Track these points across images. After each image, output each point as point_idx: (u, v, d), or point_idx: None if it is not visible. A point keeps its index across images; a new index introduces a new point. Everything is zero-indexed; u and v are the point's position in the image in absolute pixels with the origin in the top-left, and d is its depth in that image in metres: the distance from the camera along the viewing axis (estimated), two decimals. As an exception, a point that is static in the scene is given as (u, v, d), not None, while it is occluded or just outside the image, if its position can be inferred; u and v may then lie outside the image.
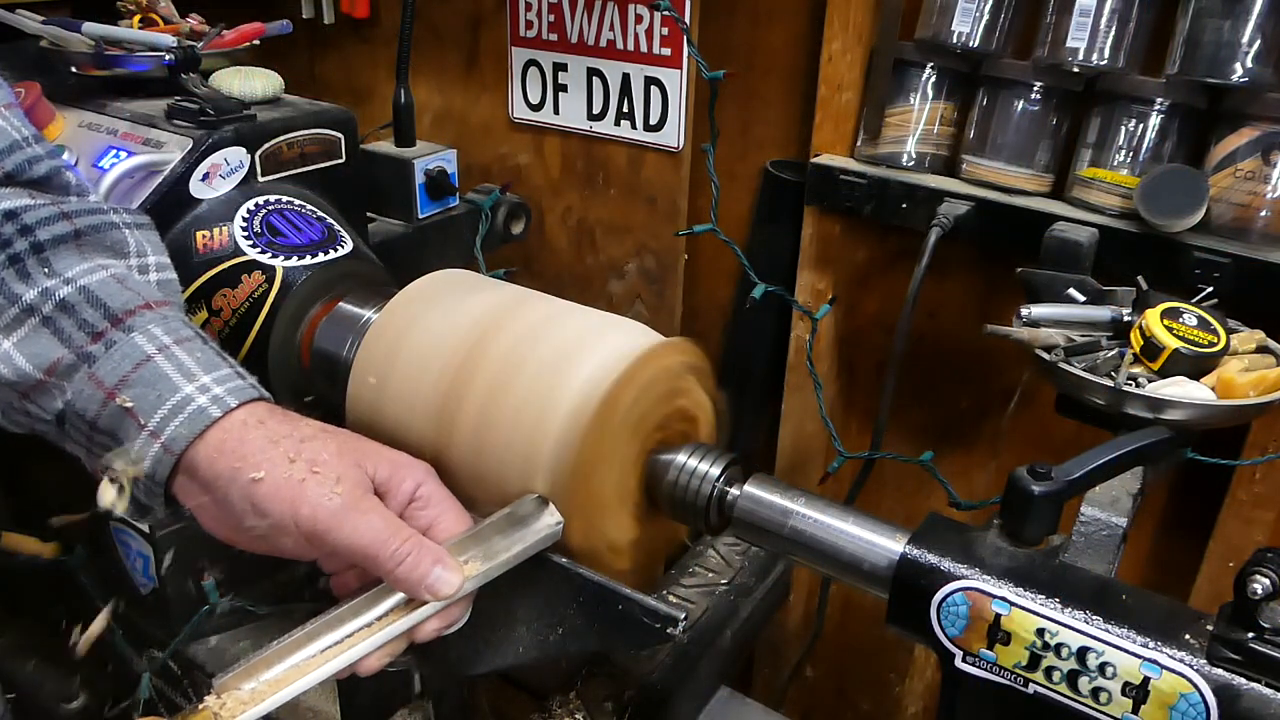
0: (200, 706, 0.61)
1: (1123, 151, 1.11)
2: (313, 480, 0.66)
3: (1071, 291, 0.98)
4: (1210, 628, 0.62)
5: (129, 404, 0.67)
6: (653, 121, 1.46)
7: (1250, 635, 0.60)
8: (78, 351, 0.68)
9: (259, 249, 0.95)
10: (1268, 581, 0.59)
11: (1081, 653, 0.64)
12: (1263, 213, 1.04)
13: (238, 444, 0.67)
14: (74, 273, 0.70)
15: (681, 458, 0.80)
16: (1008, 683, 0.67)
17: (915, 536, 0.72)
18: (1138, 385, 0.84)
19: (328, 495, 0.66)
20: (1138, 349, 0.87)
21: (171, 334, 0.70)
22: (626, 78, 1.46)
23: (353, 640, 0.66)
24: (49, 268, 0.69)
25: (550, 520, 0.73)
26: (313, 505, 0.65)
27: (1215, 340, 0.86)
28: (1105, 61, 1.08)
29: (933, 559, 0.70)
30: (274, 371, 0.94)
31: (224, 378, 0.69)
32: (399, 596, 0.67)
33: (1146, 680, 0.62)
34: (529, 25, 1.53)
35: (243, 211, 0.98)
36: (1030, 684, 0.66)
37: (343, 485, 0.66)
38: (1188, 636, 0.62)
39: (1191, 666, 0.61)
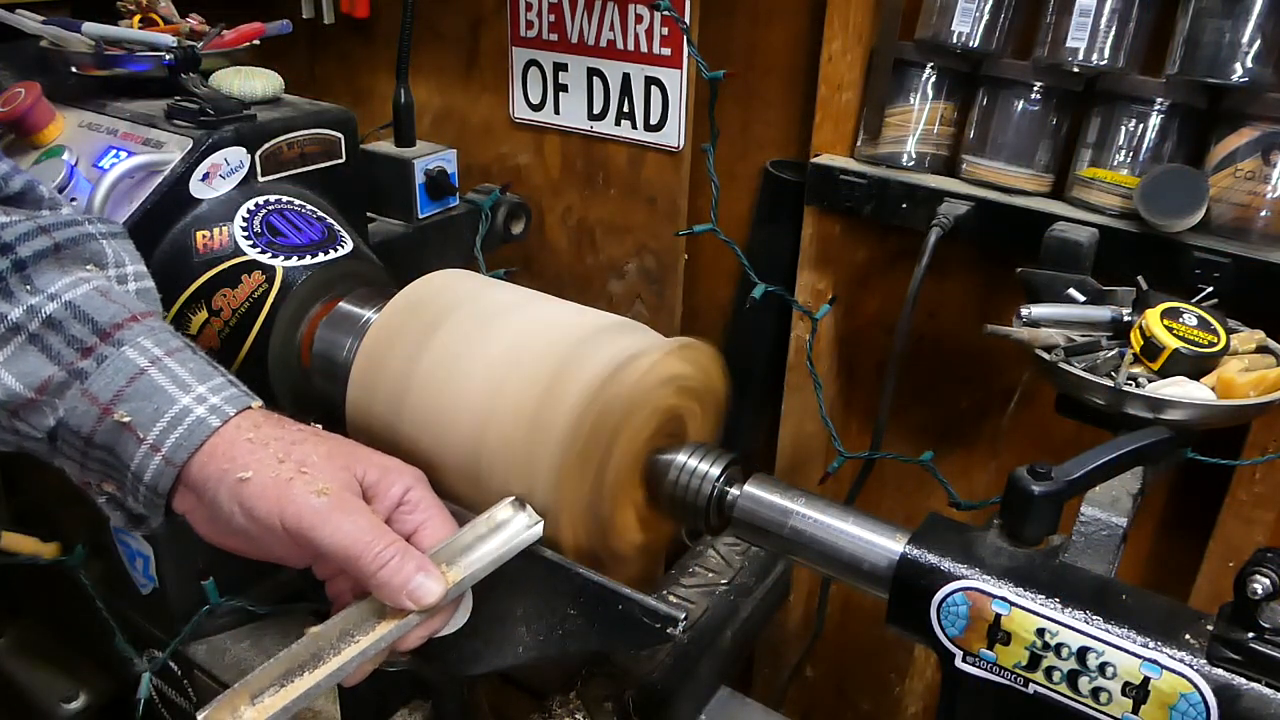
0: None
1: (1123, 151, 1.11)
2: (300, 480, 0.66)
3: (1071, 291, 0.98)
4: (1210, 628, 0.62)
5: (126, 418, 0.67)
6: (653, 121, 1.46)
7: (1250, 635, 0.60)
8: (68, 368, 0.68)
9: (259, 249, 0.95)
10: (1268, 581, 0.59)
11: (1081, 653, 0.64)
12: (1263, 213, 1.04)
13: (229, 447, 0.67)
14: (56, 288, 0.69)
15: (681, 458, 0.80)
16: (1008, 683, 0.67)
17: (915, 536, 0.72)
18: (1138, 385, 0.84)
19: (314, 494, 0.65)
20: (1138, 349, 0.87)
21: (162, 346, 0.70)
22: (627, 78, 1.46)
23: (339, 659, 0.65)
24: (31, 284, 0.69)
25: (528, 520, 0.73)
26: (298, 504, 0.65)
27: (1215, 340, 0.86)
28: (1105, 61, 1.08)
29: (933, 559, 0.70)
30: (274, 372, 0.94)
31: (218, 387, 0.69)
32: (382, 608, 0.67)
33: (1146, 680, 0.62)
34: (529, 25, 1.53)
35: (243, 211, 0.98)
36: (1030, 684, 0.66)
37: (330, 486, 0.66)
38: (1188, 636, 0.62)
39: (1191, 666, 0.61)
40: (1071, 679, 0.64)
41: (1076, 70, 1.11)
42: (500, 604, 0.75)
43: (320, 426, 0.74)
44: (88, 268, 0.73)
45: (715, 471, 0.79)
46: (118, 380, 0.67)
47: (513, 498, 0.74)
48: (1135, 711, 0.62)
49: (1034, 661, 0.65)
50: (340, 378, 0.87)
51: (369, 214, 1.29)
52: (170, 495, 0.68)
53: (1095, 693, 0.63)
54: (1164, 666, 0.61)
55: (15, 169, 0.74)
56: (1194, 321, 0.87)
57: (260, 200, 1.00)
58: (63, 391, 0.68)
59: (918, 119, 1.24)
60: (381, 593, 0.66)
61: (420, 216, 1.36)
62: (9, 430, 0.70)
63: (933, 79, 1.22)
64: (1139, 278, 0.94)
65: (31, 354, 0.68)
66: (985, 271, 1.31)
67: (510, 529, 0.72)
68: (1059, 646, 0.64)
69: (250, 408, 0.70)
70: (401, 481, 0.71)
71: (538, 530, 0.73)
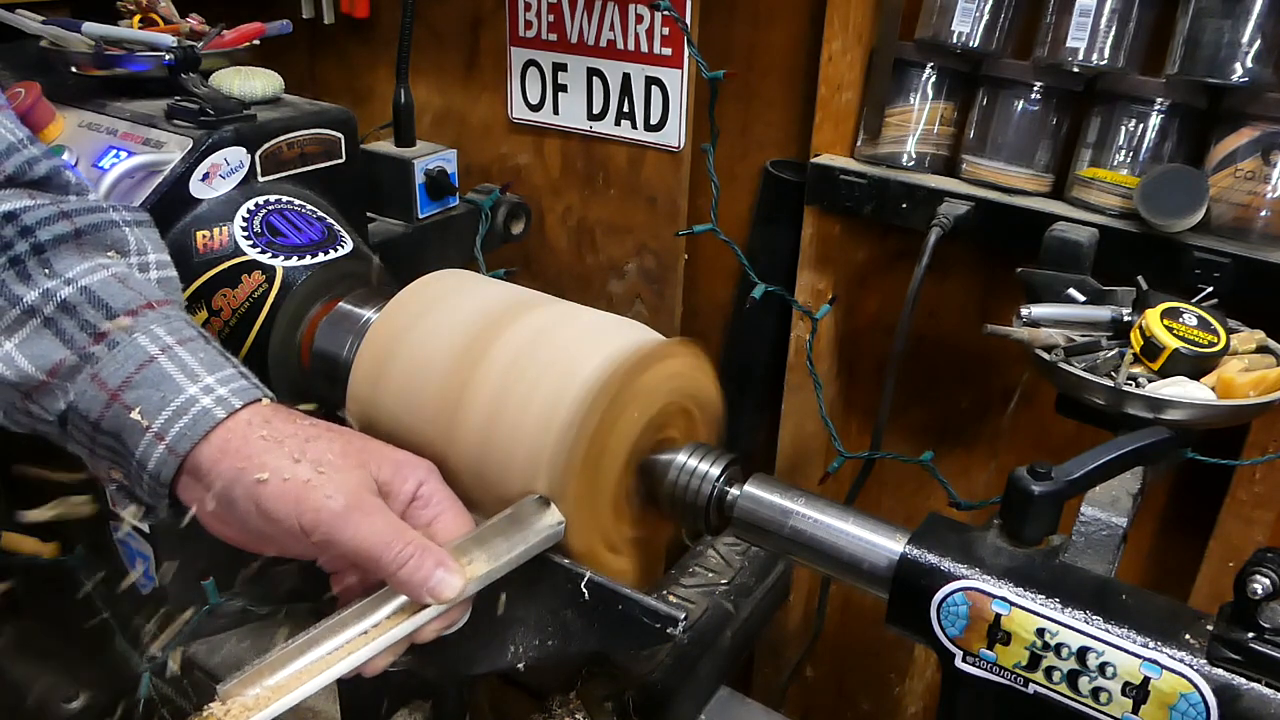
0: (205, 714, 0.61)
1: (1123, 151, 1.11)
2: (317, 480, 0.66)
3: (1071, 291, 0.98)
4: (1210, 628, 0.62)
5: (133, 405, 0.67)
6: (653, 121, 1.46)
7: (1250, 635, 0.60)
8: (80, 352, 0.68)
9: (259, 249, 0.95)
10: (1268, 581, 0.59)
11: (1081, 653, 0.64)
12: (1263, 213, 1.04)
13: (242, 444, 0.67)
14: (75, 273, 0.69)
15: (681, 458, 0.80)
16: (1008, 683, 0.67)
17: (915, 536, 0.72)
18: (1138, 385, 0.84)
19: (331, 496, 0.65)
20: (1138, 349, 0.87)
21: (174, 334, 0.70)
22: (627, 78, 1.46)
23: (355, 645, 0.66)
24: (49, 268, 0.69)
25: (552, 520, 0.73)
26: (316, 507, 0.65)
27: (1215, 340, 0.86)
28: (1105, 61, 1.09)
29: (933, 559, 0.70)
30: (274, 372, 0.94)
31: (228, 378, 0.69)
32: (401, 599, 0.67)
33: (1146, 680, 0.62)
34: (528, 25, 1.53)
35: (243, 211, 0.98)
36: (1030, 684, 0.66)
37: (346, 486, 0.66)
38: (1188, 636, 0.62)
39: (1191, 666, 0.61)
40: (1071, 679, 0.64)
41: (1076, 70, 1.11)
42: (500, 604, 0.75)
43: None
44: (108, 254, 0.73)
45: (715, 471, 0.79)
46: (127, 367, 0.67)
47: (537, 495, 0.74)
48: (1135, 711, 0.62)
49: (1034, 661, 0.65)
50: (341, 378, 0.87)
51: (369, 214, 1.29)
52: (174, 485, 0.68)
53: (1095, 693, 0.63)
54: (1164, 666, 0.61)
55: (46, 153, 0.74)
56: (1194, 321, 0.87)
57: (260, 200, 1.00)
58: (73, 375, 0.68)
59: (918, 119, 1.24)
60: (403, 589, 0.66)
61: (420, 216, 1.36)
62: (22, 412, 0.70)
63: (933, 79, 1.22)
64: (1139, 278, 0.94)
65: (45, 337, 0.68)
66: (985, 271, 1.31)
67: (534, 526, 0.72)
68: (1059, 646, 0.64)
69: (260, 400, 0.70)
70: (415, 476, 0.71)
71: (561, 529, 0.73)
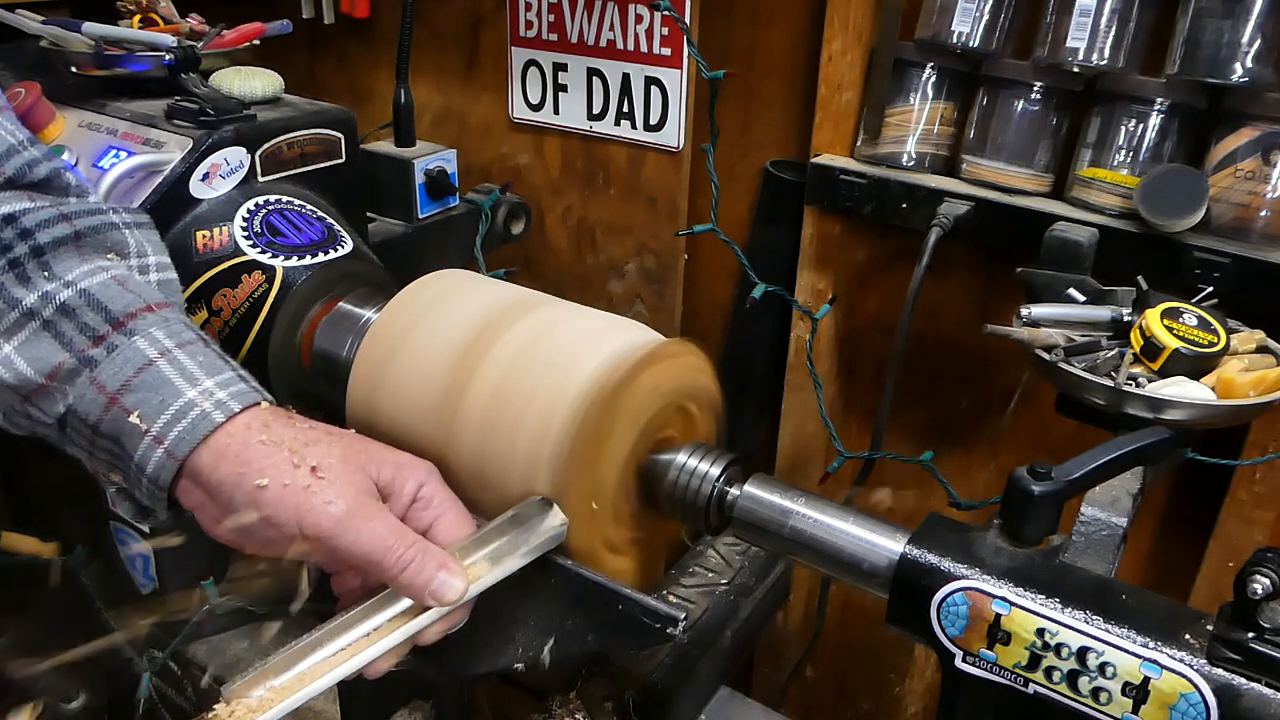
0: (210, 715, 0.61)
1: (1123, 151, 1.11)
2: (317, 486, 0.66)
3: (1071, 291, 0.98)
4: (1210, 628, 0.62)
5: (132, 409, 0.67)
6: (653, 121, 1.46)
7: (1250, 635, 0.60)
8: (79, 356, 0.68)
9: (259, 249, 0.95)
10: (1268, 581, 0.59)
11: (1081, 653, 0.64)
12: (1263, 213, 1.04)
13: (241, 448, 0.67)
14: (74, 275, 0.69)
15: (681, 458, 0.80)
16: (1008, 683, 0.67)
17: (915, 536, 0.72)
18: (1138, 385, 0.84)
19: (332, 501, 0.65)
20: (1138, 349, 0.87)
21: (173, 337, 0.70)
22: (626, 78, 1.46)
23: (358, 646, 0.66)
24: (49, 271, 0.69)
25: (555, 522, 0.73)
26: (317, 512, 0.65)
27: (1215, 340, 0.86)
28: (1105, 61, 1.09)
29: (933, 559, 0.70)
30: (274, 372, 0.94)
31: (226, 381, 0.69)
32: (404, 601, 0.67)
33: (1146, 680, 0.62)
34: (529, 25, 1.53)
35: (243, 211, 0.98)
36: (1030, 684, 0.66)
37: (347, 491, 0.66)
38: (1188, 636, 0.62)
39: (1191, 666, 0.61)
40: (1071, 679, 0.64)
41: (1076, 70, 1.11)
42: (501, 604, 0.75)
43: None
44: (108, 256, 0.73)
45: (715, 471, 0.79)
46: (126, 370, 0.67)
47: (540, 496, 0.74)
48: (1135, 711, 0.62)
49: (1034, 661, 0.65)
50: (341, 378, 0.87)
51: (369, 214, 1.29)
52: (173, 488, 0.68)
53: (1095, 693, 0.63)
54: (1164, 666, 0.61)
55: (46, 155, 0.74)
56: (1194, 321, 0.87)
57: (260, 200, 1.00)
58: (72, 379, 0.68)
59: (918, 119, 1.24)
60: (405, 592, 0.66)
61: (420, 216, 1.36)
62: (21, 415, 0.70)
63: (933, 79, 1.22)
64: (1139, 278, 0.94)
65: (44, 340, 0.68)
66: (985, 271, 1.31)
67: (537, 528, 0.72)
68: (1059, 646, 0.64)
69: (259, 404, 0.70)
70: (415, 477, 0.71)
71: (564, 531, 0.73)
